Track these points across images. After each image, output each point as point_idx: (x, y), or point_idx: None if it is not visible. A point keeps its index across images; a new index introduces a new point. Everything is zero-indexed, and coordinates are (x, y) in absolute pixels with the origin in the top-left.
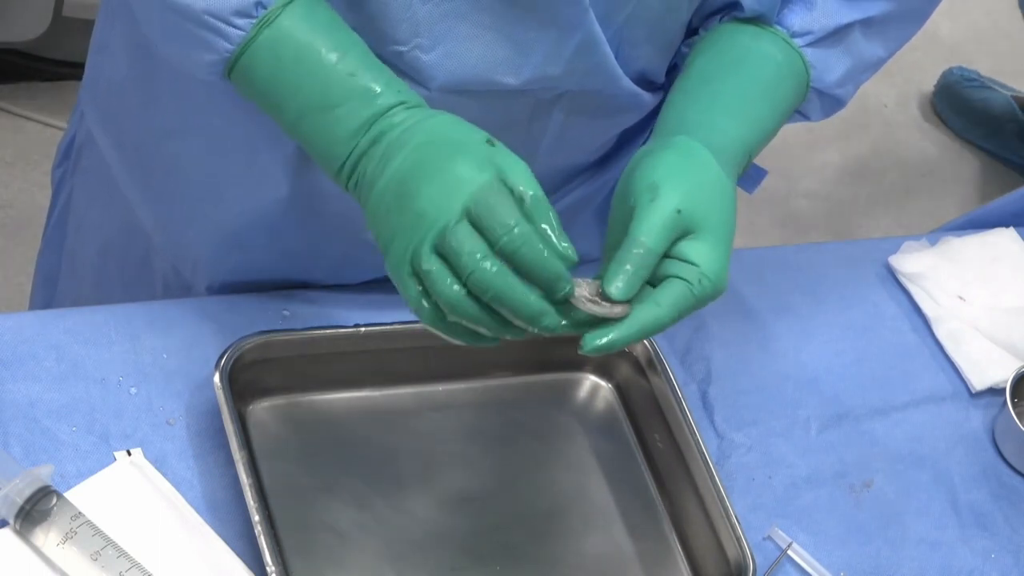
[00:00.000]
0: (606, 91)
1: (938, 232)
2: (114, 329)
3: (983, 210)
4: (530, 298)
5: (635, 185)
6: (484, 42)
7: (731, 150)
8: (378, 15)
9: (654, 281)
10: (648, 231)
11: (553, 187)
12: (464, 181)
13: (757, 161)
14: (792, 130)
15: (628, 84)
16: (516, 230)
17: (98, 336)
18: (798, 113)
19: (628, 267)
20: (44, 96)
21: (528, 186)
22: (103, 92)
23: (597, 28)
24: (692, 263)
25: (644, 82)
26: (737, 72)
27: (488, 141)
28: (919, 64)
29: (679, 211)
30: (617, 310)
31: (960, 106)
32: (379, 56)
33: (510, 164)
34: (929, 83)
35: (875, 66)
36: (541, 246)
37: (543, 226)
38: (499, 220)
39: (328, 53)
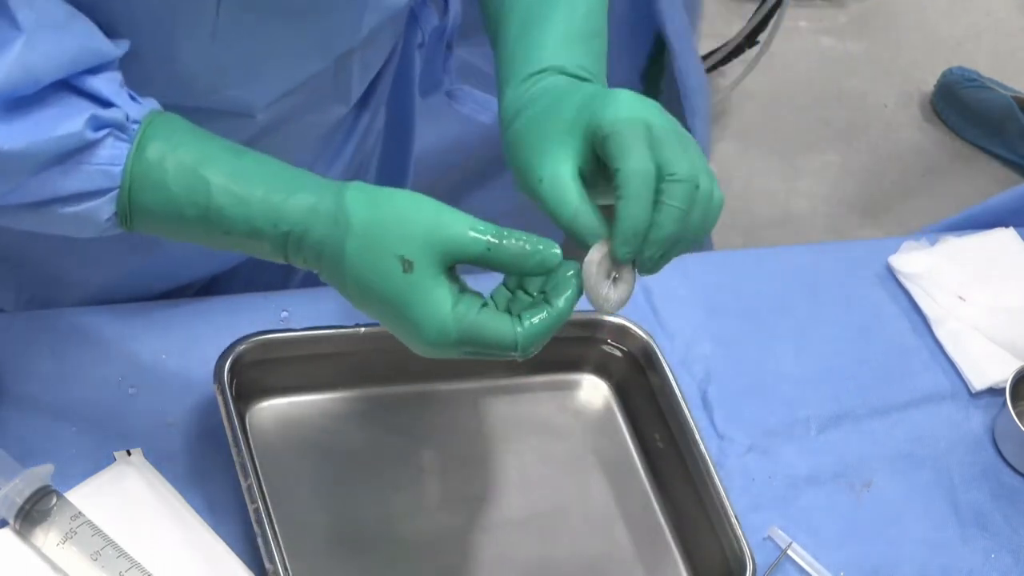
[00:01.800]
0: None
1: (937, 230)
2: (114, 329)
3: (982, 207)
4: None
5: (526, 183)
6: (287, 54)
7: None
8: (186, 74)
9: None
10: (563, 205)
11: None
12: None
13: None
14: (791, 130)
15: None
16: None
17: (98, 336)
18: None
19: (581, 228)
20: None
21: (473, 249)
22: None
23: None
24: (606, 135)
25: None
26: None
27: (402, 264)
28: (919, 64)
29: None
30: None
31: (960, 106)
32: (201, 109)
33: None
34: (929, 83)
35: None
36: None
37: (513, 248)
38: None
39: (207, 192)
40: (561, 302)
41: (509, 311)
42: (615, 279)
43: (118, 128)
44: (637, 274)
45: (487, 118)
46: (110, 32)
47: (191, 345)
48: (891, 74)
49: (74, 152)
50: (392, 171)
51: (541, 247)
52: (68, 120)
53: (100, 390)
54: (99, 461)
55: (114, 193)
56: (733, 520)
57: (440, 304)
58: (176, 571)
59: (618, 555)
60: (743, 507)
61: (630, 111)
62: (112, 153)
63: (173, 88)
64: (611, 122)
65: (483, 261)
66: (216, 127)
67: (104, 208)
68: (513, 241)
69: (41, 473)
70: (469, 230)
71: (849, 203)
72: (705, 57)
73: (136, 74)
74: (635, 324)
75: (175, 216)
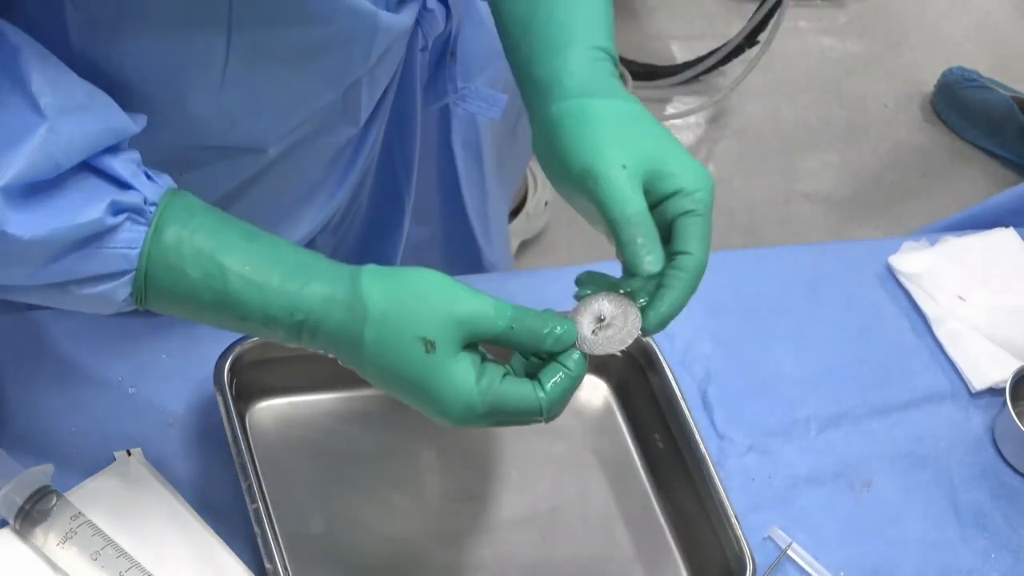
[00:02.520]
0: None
1: (936, 230)
2: (113, 329)
3: (982, 207)
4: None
5: (572, 177)
6: (296, 93)
7: (606, 32)
8: (196, 117)
9: (667, 226)
10: (620, 204)
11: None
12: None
13: None
14: (791, 130)
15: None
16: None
17: (98, 336)
18: None
19: (639, 239)
20: None
21: (492, 328)
22: None
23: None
24: (676, 191)
25: None
26: None
27: (424, 344)
28: (919, 64)
29: (624, 166)
30: (615, 335)
31: (960, 106)
32: (213, 147)
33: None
34: (929, 83)
35: None
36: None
37: (533, 328)
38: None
39: (223, 279)
40: (572, 365)
41: (527, 374)
42: (603, 320)
43: (136, 212)
44: (639, 319)
45: (495, 114)
46: (121, 84)
47: (191, 345)
48: (891, 74)
49: (94, 238)
50: (391, 182)
51: (558, 328)
52: (89, 207)
53: (100, 390)
54: (99, 461)
55: (131, 275)
56: (733, 520)
57: (464, 381)
58: (176, 571)
59: (618, 555)
60: (743, 507)
61: (698, 183)
62: (130, 236)
63: (184, 130)
64: (687, 195)
65: (502, 340)
66: (228, 163)
67: (120, 290)
68: (531, 321)
69: (41, 473)
70: (490, 310)
71: (849, 203)
72: (705, 57)
73: (147, 118)
74: None
75: (191, 299)
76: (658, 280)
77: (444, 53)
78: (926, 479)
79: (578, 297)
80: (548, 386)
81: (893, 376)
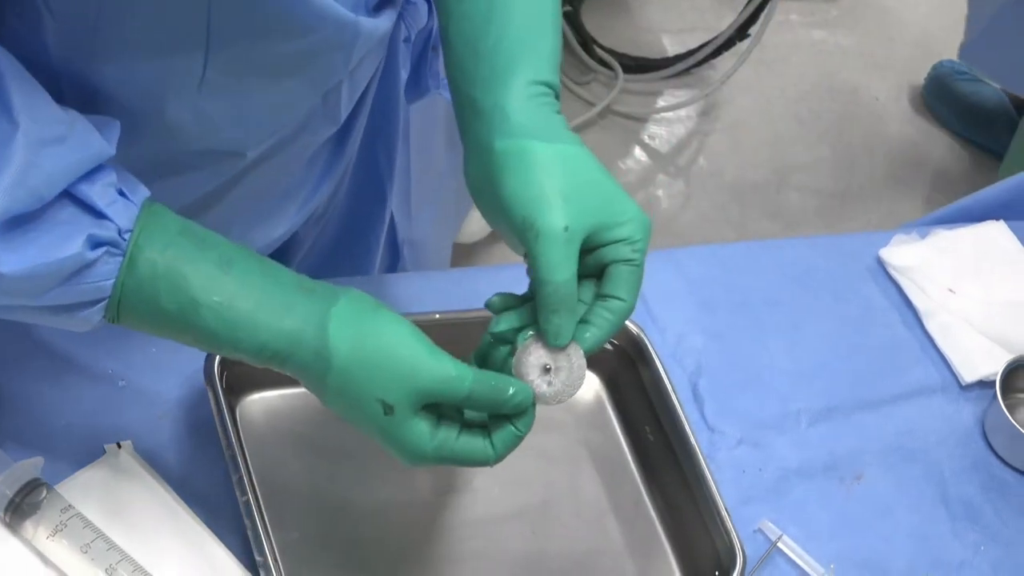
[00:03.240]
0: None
1: (927, 223)
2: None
3: (972, 200)
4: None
5: (510, 218)
6: (276, 101)
7: (551, 64)
8: (175, 125)
9: (594, 271)
10: (551, 268)
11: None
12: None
13: None
14: (782, 122)
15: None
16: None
17: (88, 330)
18: None
19: (556, 314)
20: None
21: (453, 396)
22: None
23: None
24: (618, 240)
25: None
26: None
27: (383, 407)
28: (910, 57)
29: (566, 228)
30: (566, 383)
31: (951, 99)
32: (192, 152)
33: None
34: (920, 76)
35: None
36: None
37: (492, 394)
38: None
39: (198, 305)
40: (522, 426)
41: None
42: (549, 369)
43: (112, 244)
44: (583, 356)
45: None
46: (100, 94)
47: None
48: (882, 67)
49: (74, 274)
50: (373, 175)
51: (517, 393)
52: (68, 241)
53: (91, 383)
54: (89, 454)
55: (105, 303)
56: (724, 513)
57: (419, 440)
58: (166, 563)
59: (609, 548)
60: (734, 500)
61: (639, 232)
62: (106, 269)
63: (163, 138)
64: (629, 244)
65: (463, 405)
66: (208, 167)
67: (94, 315)
68: (491, 386)
69: (31, 466)
70: (452, 379)
71: (840, 196)
72: (696, 50)
73: (125, 125)
74: None
75: (163, 326)
76: (583, 315)
77: (426, 48)
78: (917, 472)
79: (511, 351)
80: (498, 443)
81: (884, 369)
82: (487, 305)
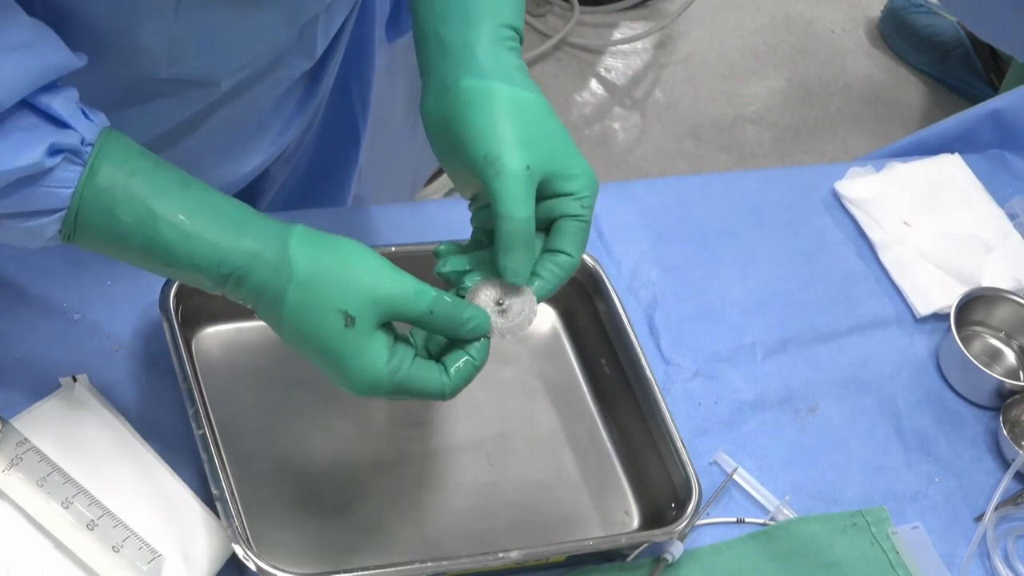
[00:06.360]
0: None
1: (882, 155)
2: (57, 255)
3: (927, 133)
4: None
5: (471, 155)
6: (251, 30)
7: (518, 9)
8: (147, 49)
9: (542, 225)
10: (513, 204)
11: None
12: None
13: None
14: (738, 55)
15: None
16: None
17: (41, 262)
18: None
19: (516, 251)
20: None
21: (413, 311)
22: None
23: None
24: (567, 193)
25: None
26: None
27: (344, 318)
28: None
29: (528, 167)
30: (521, 316)
31: (906, 31)
32: (163, 80)
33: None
34: (876, 8)
35: None
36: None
37: (451, 314)
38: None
39: (162, 223)
40: (476, 354)
41: (427, 350)
42: (502, 308)
43: (73, 152)
44: (533, 296)
45: None
46: (70, 13)
47: (137, 271)
48: (838, 0)
49: (31, 178)
50: (347, 115)
51: (475, 316)
52: (29, 148)
53: (45, 316)
54: (45, 387)
55: (62, 214)
56: (679, 445)
57: (375, 359)
58: (122, 497)
59: (565, 479)
60: (689, 432)
61: (589, 188)
62: (65, 176)
63: (134, 62)
64: (578, 199)
65: (419, 323)
66: (180, 96)
67: (50, 226)
68: (450, 304)
69: None
70: (412, 293)
71: (795, 129)
72: None
73: (95, 46)
74: None
75: (119, 242)
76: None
77: None
78: (871, 404)
79: (463, 288)
80: (452, 371)
81: (838, 301)
82: (435, 253)
